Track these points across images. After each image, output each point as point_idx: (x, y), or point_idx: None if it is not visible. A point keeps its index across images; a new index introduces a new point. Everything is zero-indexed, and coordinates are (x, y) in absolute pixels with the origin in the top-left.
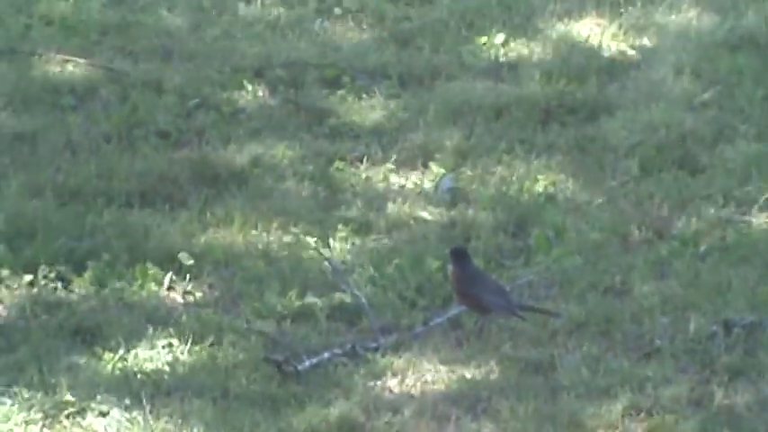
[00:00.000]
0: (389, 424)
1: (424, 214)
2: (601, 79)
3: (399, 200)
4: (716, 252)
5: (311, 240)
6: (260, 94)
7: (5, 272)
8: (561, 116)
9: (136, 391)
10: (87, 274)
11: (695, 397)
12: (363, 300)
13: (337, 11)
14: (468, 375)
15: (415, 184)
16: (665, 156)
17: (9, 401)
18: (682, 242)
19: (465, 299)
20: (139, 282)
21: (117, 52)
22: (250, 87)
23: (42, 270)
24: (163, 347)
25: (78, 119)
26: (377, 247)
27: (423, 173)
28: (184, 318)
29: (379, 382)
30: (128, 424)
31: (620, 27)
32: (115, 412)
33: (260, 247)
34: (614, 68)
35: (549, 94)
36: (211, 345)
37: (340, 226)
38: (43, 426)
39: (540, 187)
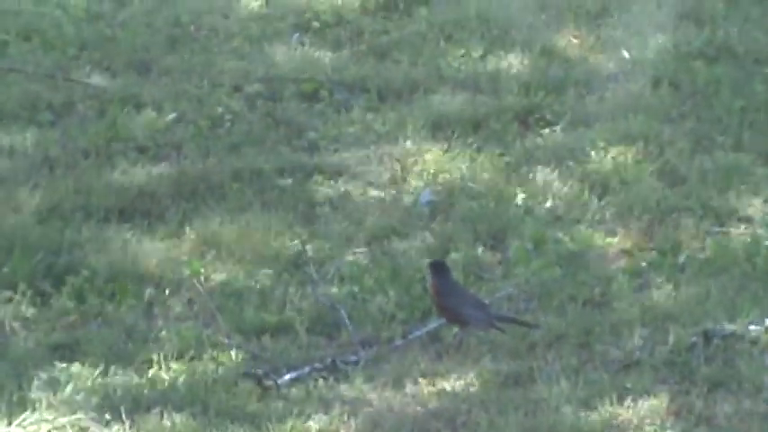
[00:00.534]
0: None
1: (404, 227)
2: (579, 91)
3: (378, 213)
4: (695, 263)
5: (291, 254)
6: (238, 108)
7: None
8: (540, 128)
9: (116, 406)
10: (66, 290)
11: (675, 408)
12: (343, 313)
13: (315, 24)
14: (448, 388)
15: (394, 197)
16: (643, 167)
17: None
18: (661, 253)
19: (444, 312)
20: (118, 297)
21: (95, 67)
22: (228, 102)
23: (21, 286)
24: (142, 363)
25: (56, 134)
26: (356, 261)
27: (402, 186)
28: (164, 333)
29: (359, 396)
30: None
31: (597, 39)
32: (95, 428)
33: (239, 260)
34: (592, 80)
35: (528, 106)
36: (191, 360)
37: (319, 239)
38: None
39: (518, 200)
